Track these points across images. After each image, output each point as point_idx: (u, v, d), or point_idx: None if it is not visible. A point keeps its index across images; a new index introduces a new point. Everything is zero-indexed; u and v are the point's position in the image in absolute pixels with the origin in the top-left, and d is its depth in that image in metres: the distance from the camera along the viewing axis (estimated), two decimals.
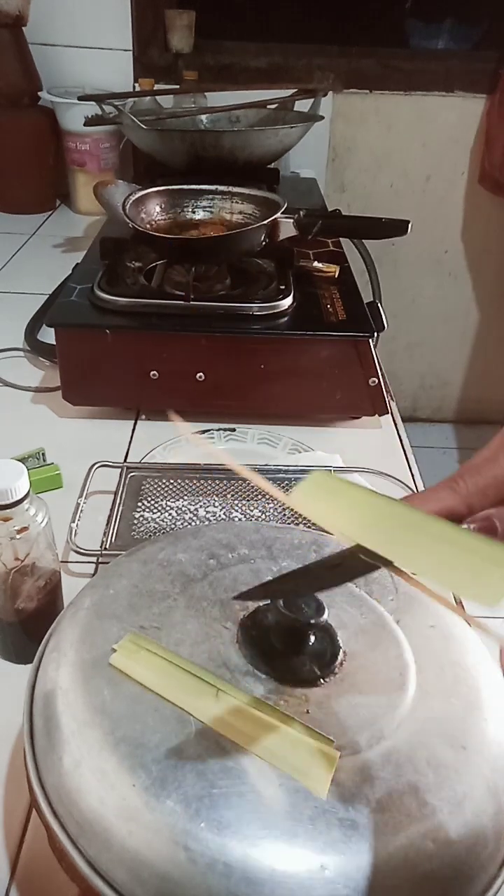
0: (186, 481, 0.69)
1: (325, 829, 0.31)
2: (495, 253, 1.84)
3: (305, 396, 0.80)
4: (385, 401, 0.80)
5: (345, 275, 0.90)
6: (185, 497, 0.68)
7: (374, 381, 0.78)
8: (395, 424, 0.85)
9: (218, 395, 0.79)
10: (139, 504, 0.67)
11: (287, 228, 0.85)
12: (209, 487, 0.69)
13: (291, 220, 0.84)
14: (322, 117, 1.22)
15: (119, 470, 0.70)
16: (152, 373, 0.77)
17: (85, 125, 1.20)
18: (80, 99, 1.28)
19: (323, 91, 1.24)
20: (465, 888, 0.32)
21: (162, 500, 0.67)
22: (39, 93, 1.41)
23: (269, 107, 1.27)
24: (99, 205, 0.95)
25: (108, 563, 0.59)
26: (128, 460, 0.75)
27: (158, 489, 0.69)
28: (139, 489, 0.68)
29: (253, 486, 0.70)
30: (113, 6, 1.44)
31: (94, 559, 0.62)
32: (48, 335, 0.91)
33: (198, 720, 0.35)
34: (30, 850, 0.42)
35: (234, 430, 0.79)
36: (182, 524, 0.65)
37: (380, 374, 0.78)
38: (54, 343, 0.79)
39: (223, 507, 0.67)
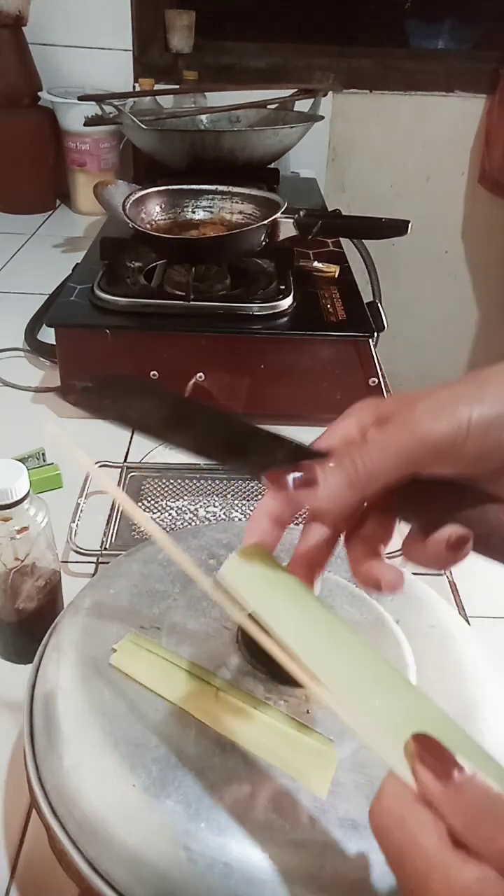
0: (186, 481, 0.70)
1: (325, 829, 0.31)
2: (495, 253, 1.84)
3: (305, 396, 0.80)
4: None
5: (345, 275, 0.90)
6: (185, 497, 0.68)
7: (374, 381, 0.78)
8: None
9: (218, 395, 0.79)
10: (139, 504, 0.67)
11: (287, 228, 0.85)
12: (209, 487, 0.69)
13: (291, 220, 0.84)
14: (322, 117, 1.22)
15: (119, 470, 0.70)
16: (152, 373, 0.77)
17: (85, 125, 1.20)
18: (80, 99, 1.27)
19: (323, 91, 1.24)
20: None
21: (162, 500, 0.67)
22: (39, 93, 1.41)
23: (269, 107, 1.27)
24: (99, 205, 0.95)
25: (108, 563, 0.59)
26: (128, 460, 0.75)
27: (158, 489, 0.69)
28: (139, 489, 0.68)
29: (253, 486, 0.70)
30: (113, 6, 1.44)
31: (94, 559, 0.62)
32: (48, 335, 0.91)
33: (198, 720, 0.35)
34: (30, 850, 0.42)
35: None
36: (182, 524, 0.65)
37: (380, 374, 0.78)
38: (54, 343, 0.79)
39: (223, 507, 0.67)
